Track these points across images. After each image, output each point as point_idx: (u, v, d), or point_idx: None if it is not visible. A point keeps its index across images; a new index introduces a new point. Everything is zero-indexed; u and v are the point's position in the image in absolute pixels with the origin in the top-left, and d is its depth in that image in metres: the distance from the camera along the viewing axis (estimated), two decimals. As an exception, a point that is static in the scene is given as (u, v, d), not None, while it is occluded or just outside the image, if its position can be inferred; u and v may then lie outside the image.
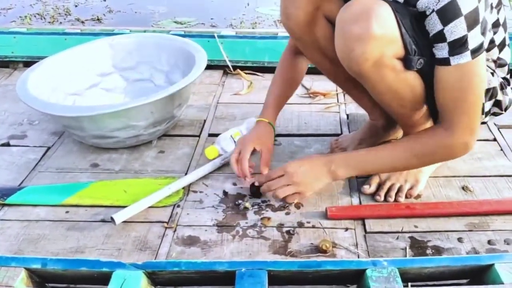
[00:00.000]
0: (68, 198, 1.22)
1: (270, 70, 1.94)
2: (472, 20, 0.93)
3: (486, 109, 1.15)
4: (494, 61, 1.12)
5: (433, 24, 0.95)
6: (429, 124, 1.18)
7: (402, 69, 1.03)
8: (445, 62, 0.98)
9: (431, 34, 0.97)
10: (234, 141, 1.37)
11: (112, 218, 1.12)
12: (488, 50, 1.10)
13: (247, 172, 1.22)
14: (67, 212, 1.20)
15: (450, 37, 0.94)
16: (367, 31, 0.94)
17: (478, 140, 1.39)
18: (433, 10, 0.94)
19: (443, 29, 0.94)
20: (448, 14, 0.92)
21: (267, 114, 1.33)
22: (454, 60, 0.97)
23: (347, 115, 1.61)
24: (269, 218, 1.14)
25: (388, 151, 1.14)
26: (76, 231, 1.13)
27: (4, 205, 1.22)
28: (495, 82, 1.12)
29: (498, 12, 1.09)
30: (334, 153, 1.18)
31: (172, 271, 0.90)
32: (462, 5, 0.91)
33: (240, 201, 1.19)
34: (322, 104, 1.69)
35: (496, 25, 1.09)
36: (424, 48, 1.00)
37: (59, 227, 1.15)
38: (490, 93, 1.12)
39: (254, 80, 1.89)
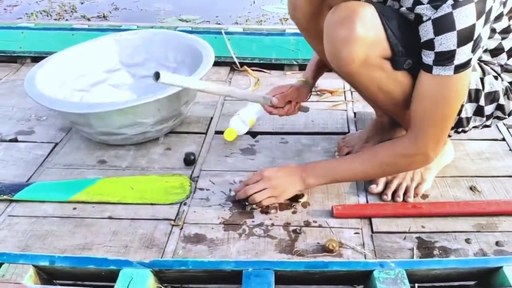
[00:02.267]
0: (75, 195, 1.23)
1: (277, 67, 1.94)
2: (465, 37, 0.93)
3: (488, 113, 1.14)
4: (501, 66, 1.12)
5: (426, 31, 0.96)
6: None
7: (391, 69, 1.04)
8: (428, 68, 0.99)
9: (422, 40, 0.98)
10: (243, 120, 1.44)
11: (157, 73, 1.08)
12: (495, 55, 1.11)
13: (274, 96, 1.29)
14: (74, 208, 1.20)
15: (438, 48, 0.95)
16: (352, 33, 0.97)
17: (486, 140, 1.40)
18: (429, 18, 0.94)
19: (433, 38, 0.94)
20: (442, 25, 0.93)
21: (305, 75, 1.36)
22: (436, 70, 0.97)
23: (355, 113, 1.61)
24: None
25: (354, 162, 1.17)
26: (84, 228, 1.14)
27: (12, 201, 1.22)
28: (498, 86, 1.11)
29: (510, 19, 1.07)
30: (307, 163, 1.22)
31: (179, 270, 0.90)
32: (458, 20, 0.91)
33: (246, 202, 1.19)
34: (330, 102, 1.68)
35: (506, 31, 1.08)
36: (414, 50, 1.01)
37: (67, 224, 1.15)
38: (492, 96, 1.11)
39: (261, 77, 1.88)
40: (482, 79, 1.10)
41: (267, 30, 1.98)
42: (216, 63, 1.68)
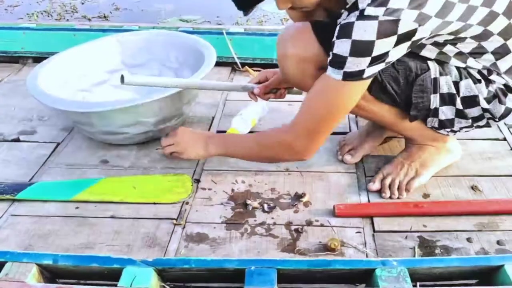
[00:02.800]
0: (78, 194, 1.23)
1: (278, 67, 1.93)
2: (361, 50, 0.95)
3: (473, 115, 1.13)
4: (488, 70, 1.09)
5: (334, 33, 1.00)
6: (404, 121, 1.19)
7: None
8: (326, 67, 1.03)
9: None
10: (245, 120, 1.47)
11: (122, 76, 1.18)
12: (477, 56, 1.08)
13: (251, 82, 1.38)
14: (77, 208, 1.21)
15: (334, 50, 0.99)
16: (285, 51, 1.16)
17: (488, 140, 1.41)
18: (339, 23, 0.99)
19: (334, 40, 0.99)
20: (342, 31, 0.97)
21: None
22: (329, 70, 1.02)
23: (356, 113, 1.61)
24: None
25: (247, 141, 1.25)
26: (86, 227, 1.14)
27: (14, 200, 1.23)
28: (478, 90, 1.10)
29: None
30: (218, 133, 1.34)
31: (182, 269, 0.90)
32: (355, 31, 0.94)
33: (248, 201, 1.19)
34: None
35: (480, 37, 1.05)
36: None
37: (69, 223, 1.16)
38: (471, 100, 1.11)
39: (263, 77, 1.88)
40: (457, 83, 1.11)
41: (268, 31, 1.98)
42: (218, 64, 1.67)
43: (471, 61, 1.09)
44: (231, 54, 1.93)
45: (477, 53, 1.07)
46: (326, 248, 1.06)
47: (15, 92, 1.80)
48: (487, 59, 1.08)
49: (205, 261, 0.91)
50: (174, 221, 1.15)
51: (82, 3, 3.56)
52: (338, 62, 0.99)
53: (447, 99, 1.12)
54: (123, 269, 0.88)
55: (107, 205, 1.21)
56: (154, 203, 1.21)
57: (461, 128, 1.19)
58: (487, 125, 1.18)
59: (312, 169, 1.32)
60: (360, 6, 0.95)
